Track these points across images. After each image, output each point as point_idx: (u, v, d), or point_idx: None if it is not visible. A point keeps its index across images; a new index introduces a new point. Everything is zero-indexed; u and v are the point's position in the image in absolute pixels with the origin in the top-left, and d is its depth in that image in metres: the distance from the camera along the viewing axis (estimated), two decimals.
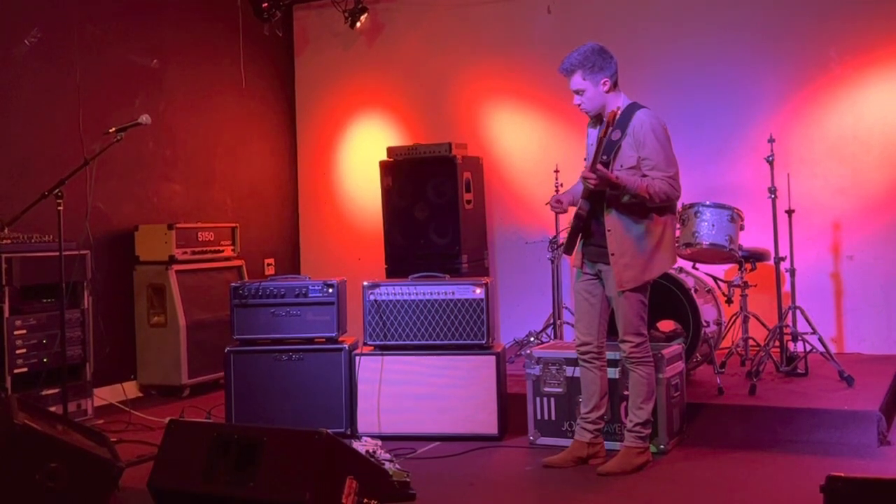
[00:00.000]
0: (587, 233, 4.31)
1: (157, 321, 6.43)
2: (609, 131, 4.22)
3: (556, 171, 6.40)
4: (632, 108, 4.24)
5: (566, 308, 6.55)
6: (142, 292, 6.48)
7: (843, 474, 2.50)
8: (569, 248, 4.37)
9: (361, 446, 4.29)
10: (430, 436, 4.91)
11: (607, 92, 4.24)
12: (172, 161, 7.03)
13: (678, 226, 5.64)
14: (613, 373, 4.60)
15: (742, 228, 5.63)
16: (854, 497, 2.47)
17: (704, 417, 4.87)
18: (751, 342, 5.82)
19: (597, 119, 4.37)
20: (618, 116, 4.21)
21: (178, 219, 6.80)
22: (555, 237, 6.32)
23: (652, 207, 4.18)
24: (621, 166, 4.19)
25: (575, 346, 4.48)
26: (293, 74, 8.33)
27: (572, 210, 4.34)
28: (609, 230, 4.20)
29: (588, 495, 4.03)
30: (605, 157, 4.26)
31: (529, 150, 7.36)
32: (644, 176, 4.14)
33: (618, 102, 4.27)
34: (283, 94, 8.23)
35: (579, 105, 4.31)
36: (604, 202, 4.23)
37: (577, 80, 4.25)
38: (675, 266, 5.58)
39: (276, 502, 3.19)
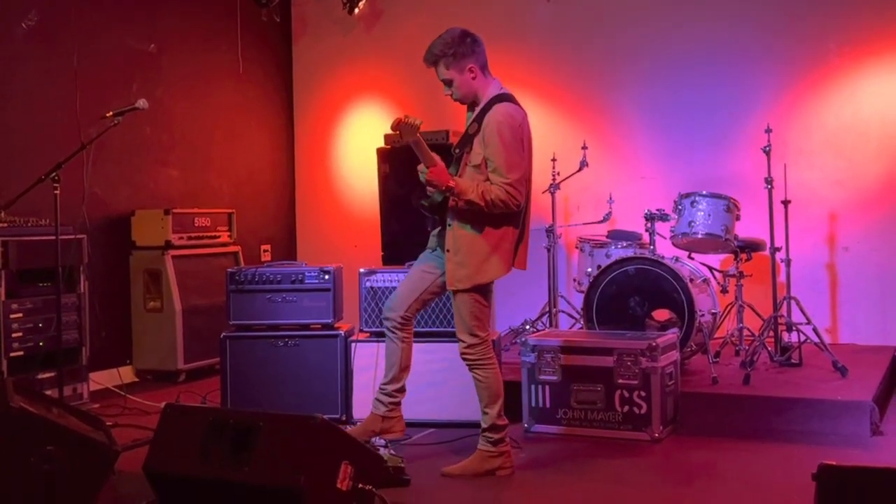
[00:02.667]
0: (444, 220, 4.09)
1: (154, 306, 6.43)
2: (469, 123, 4.04)
3: (553, 160, 6.40)
4: (494, 100, 3.96)
5: (562, 297, 6.56)
6: (138, 277, 6.49)
7: (835, 463, 2.51)
8: (436, 238, 4.22)
9: None
10: (424, 422, 4.92)
11: (475, 79, 3.98)
12: (169, 146, 7.02)
13: (675, 216, 5.66)
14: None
15: (738, 218, 5.65)
16: (846, 485, 2.49)
17: (698, 406, 4.88)
18: (745, 332, 5.84)
19: (473, 106, 4.08)
20: (480, 106, 3.98)
21: (174, 204, 6.80)
22: (551, 226, 6.32)
23: (490, 215, 3.92)
24: (471, 163, 3.97)
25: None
26: (291, 60, 8.32)
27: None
28: (449, 225, 4.01)
29: (580, 483, 4.05)
30: (457, 151, 4.07)
31: None
32: (487, 180, 3.90)
33: (489, 89, 4.01)
34: (280, 81, 8.21)
35: (450, 96, 4.04)
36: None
37: (442, 71, 3.98)
38: (671, 255, 5.61)
39: (271, 486, 3.19)
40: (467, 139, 4.02)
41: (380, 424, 4.28)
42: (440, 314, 5.05)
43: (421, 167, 3.96)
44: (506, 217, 3.96)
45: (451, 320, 5.02)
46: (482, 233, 3.96)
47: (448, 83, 4.02)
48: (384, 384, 4.30)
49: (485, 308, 4.05)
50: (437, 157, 3.96)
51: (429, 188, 4.00)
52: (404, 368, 4.29)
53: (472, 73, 3.98)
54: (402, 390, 4.30)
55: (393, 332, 4.24)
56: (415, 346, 4.99)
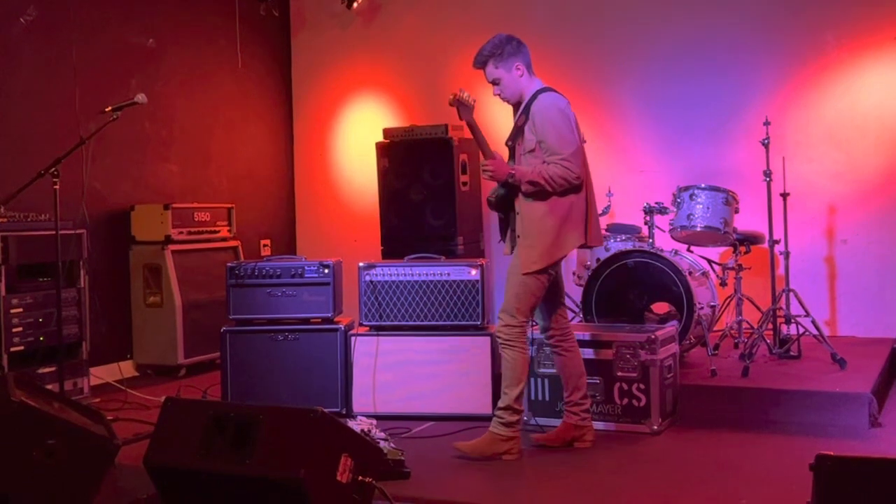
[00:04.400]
0: (511, 220, 4.26)
1: (154, 301, 6.44)
2: (517, 115, 4.25)
3: None
4: (538, 93, 4.20)
5: None
6: (138, 272, 6.49)
7: (832, 453, 2.52)
8: (503, 236, 4.37)
9: (357, 425, 4.31)
10: (424, 415, 4.94)
11: (522, 76, 4.21)
12: (168, 141, 7.02)
13: (674, 209, 5.67)
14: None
15: (737, 211, 5.65)
16: (843, 475, 2.50)
17: (697, 399, 4.90)
18: (744, 325, 5.85)
19: (517, 108, 4.31)
20: (525, 101, 4.21)
21: (174, 199, 6.80)
22: None
23: (553, 193, 4.11)
24: (524, 151, 4.21)
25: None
26: (290, 55, 8.31)
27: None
28: (518, 213, 4.19)
29: (580, 475, 4.06)
30: (509, 143, 4.29)
31: None
32: (544, 162, 4.11)
33: (532, 86, 4.24)
34: (279, 75, 8.21)
35: (498, 95, 4.26)
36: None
37: (491, 70, 4.22)
38: (670, 248, 5.62)
39: (271, 479, 3.20)
40: (518, 131, 4.24)
41: (573, 433, 4.42)
42: (439, 308, 5.06)
43: (481, 162, 4.18)
44: (568, 194, 4.13)
45: (450, 314, 5.05)
46: (549, 212, 4.13)
47: (496, 82, 4.23)
48: (566, 397, 4.44)
49: (532, 298, 4.18)
50: (496, 153, 4.18)
51: (492, 180, 4.19)
52: (577, 375, 4.41)
53: (520, 71, 4.21)
54: (585, 397, 4.43)
55: (556, 346, 4.42)
56: (414, 339, 5.05)
